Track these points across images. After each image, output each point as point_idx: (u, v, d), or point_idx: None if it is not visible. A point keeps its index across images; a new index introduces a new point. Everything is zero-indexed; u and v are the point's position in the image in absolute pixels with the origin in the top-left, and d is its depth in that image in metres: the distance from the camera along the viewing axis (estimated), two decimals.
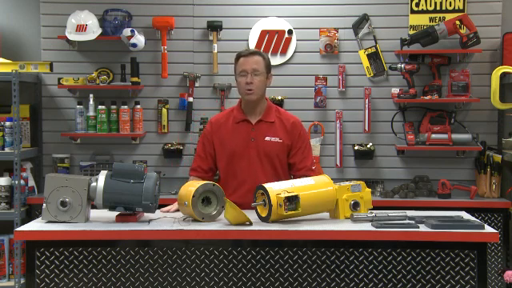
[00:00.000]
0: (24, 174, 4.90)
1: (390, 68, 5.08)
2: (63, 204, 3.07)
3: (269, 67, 3.67)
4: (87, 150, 5.21)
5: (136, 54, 5.08)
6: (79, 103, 5.10)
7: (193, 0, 5.19)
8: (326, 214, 3.28)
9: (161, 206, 3.26)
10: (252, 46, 5.13)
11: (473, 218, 3.27)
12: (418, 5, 5.12)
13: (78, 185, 3.10)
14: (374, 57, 5.15)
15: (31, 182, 5.02)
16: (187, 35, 5.19)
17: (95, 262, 3.03)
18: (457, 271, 3.01)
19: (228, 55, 5.11)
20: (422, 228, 3.04)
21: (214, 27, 5.13)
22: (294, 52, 5.18)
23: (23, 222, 4.30)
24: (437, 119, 5.06)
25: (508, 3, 5.14)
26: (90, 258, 3.03)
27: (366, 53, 5.15)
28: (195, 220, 3.15)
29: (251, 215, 3.12)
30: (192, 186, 3.19)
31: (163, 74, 5.10)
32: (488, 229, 3.05)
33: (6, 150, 4.75)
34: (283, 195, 3.03)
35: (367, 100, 5.13)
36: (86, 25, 4.97)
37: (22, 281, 4.60)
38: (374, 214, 3.15)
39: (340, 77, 5.16)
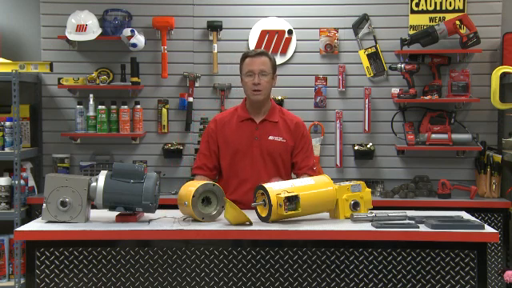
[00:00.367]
0: (24, 174, 4.90)
1: (390, 68, 5.08)
2: (63, 204, 3.07)
3: (275, 67, 3.69)
4: (87, 150, 5.21)
5: (136, 54, 5.08)
6: (79, 103, 5.10)
7: (193, 0, 5.19)
8: (326, 214, 3.28)
9: (161, 206, 3.25)
10: (252, 46, 5.13)
11: (473, 218, 3.27)
12: (418, 5, 5.12)
13: (78, 185, 3.10)
14: (374, 57, 5.15)
15: (31, 182, 5.02)
16: (187, 35, 5.19)
17: (95, 261, 3.03)
18: (457, 271, 3.01)
19: (228, 55, 5.13)
20: (422, 228, 3.04)
21: (214, 27, 5.13)
22: (294, 52, 5.18)
23: (23, 222, 4.30)
24: (437, 119, 5.06)
25: (508, 3, 5.14)
26: (90, 258, 3.03)
27: (366, 53, 5.15)
28: (195, 220, 3.15)
29: (251, 215, 3.12)
30: (192, 186, 3.19)
31: (163, 74, 5.10)
32: (488, 229, 3.05)
33: (6, 150, 4.75)
34: (283, 195, 3.03)
35: (367, 100, 5.13)
36: (85, 25, 4.97)
37: (22, 281, 4.60)
38: (374, 214, 3.15)
39: (340, 77, 5.16)
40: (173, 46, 5.16)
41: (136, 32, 4.98)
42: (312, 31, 5.17)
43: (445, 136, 5.01)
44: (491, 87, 4.82)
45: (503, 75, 4.84)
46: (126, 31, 4.98)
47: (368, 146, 5.13)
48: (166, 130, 5.19)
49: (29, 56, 5.17)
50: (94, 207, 3.16)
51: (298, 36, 5.17)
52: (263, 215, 3.12)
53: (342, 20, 5.17)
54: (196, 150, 5.09)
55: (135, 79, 5.06)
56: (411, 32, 5.09)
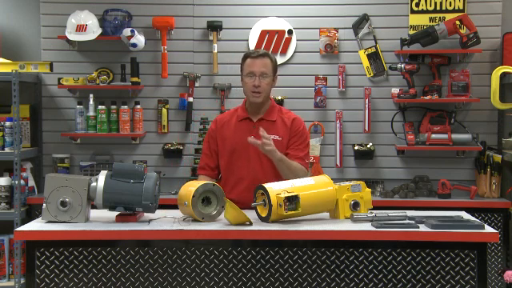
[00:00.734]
0: (24, 174, 4.90)
1: (390, 68, 5.08)
2: (63, 204, 3.07)
3: (276, 69, 3.70)
4: (87, 150, 5.21)
5: (136, 54, 5.08)
6: (79, 103, 5.10)
7: (193, 0, 5.19)
8: (326, 214, 3.28)
9: (161, 206, 3.26)
10: (252, 46, 5.13)
11: (473, 218, 3.27)
12: (417, 5, 5.12)
13: (78, 185, 3.10)
14: (374, 57, 5.15)
15: (31, 182, 5.01)
16: (187, 35, 5.19)
17: (95, 261, 3.03)
18: (457, 271, 3.01)
19: (228, 55, 5.13)
20: (422, 228, 3.04)
21: (214, 27, 5.13)
22: (294, 52, 5.18)
23: (23, 222, 4.30)
24: (437, 119, 5.06)
25: (508, 3, 5.14)
26: (90, 258, 3.03)
27: (366, 53, 5.15)
28: (195, 220, 3.15)
29: (251, 215, 3.12)
30: (192, 186, 3.19)
31: (163, 74, 5.10)
32: (488, 229, 3.05)
33: (6, 150, 4.75)
34: (283, 195, 3.03)
35: (367, 100, 5.13)
36: (85, 25, 4.97)
37: (22, 281, 4.60)
38: (374, 214, 3.15)
39: (340, 77, 5.16)
40: (173, 46, 5.16)
41: (136, 32, 4.98)
42: (312, 31, 5.17)
43: (445, 136, 5.01)
44: (491, 87, 4.82)
45: (503, 75, 4.84)
46: (126, 31, 4.98)
47: (368, 145, 5.13)
48: (165, 130, 5.19)
49: (29, 56, 5.17)
50: (94, 207, 3.16)
51: (298, 36, 5.17)
52: (263, 215, 3.12)
53: (342, 20, 5.17)
54: (196, 150, 5.10)
55: (135, 79, 5.06)
56: (411, 32, 5.09)
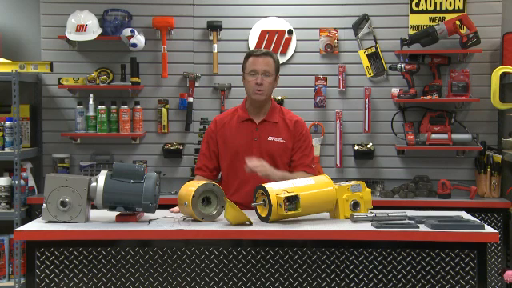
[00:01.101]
0: (24, 174, 4.90)
1: (390, 68, 5.08)
2: (63, 204, 3.07)
3: (278, 69, 3.69)
4: (87, 150, 5.21)
5: (136, 54, 5.08)
6: (79, 103, 5.10)
7: (193, 0, 5.19)
8: (326, 214, 3.28)
9: (161, 206, 3.26)
10: (252, 46, 5.13)
11: (473, 218, 3.27)
12: (417, 5, 5.12)
13: (78, 185, 3.10)
14: (374, 57, 5.15)
15: (31, 182, 5.01)
16: (187, 35, 5.19)
17: (95, 261, 3.03)
18: (457, 271, 3.01)
19: (228, 55, 5.13)
20: (422, 228, 3.04)
21: (214, 27, 5.13)
22: (294, 52, 5.18)
23: (23, 222, 4.29)
24: (437, 119, 5.06)
25: (508, 3, 5.14)
26: (90, 258, 3.03)
27: (366, 53, 5.15)
28: (195, 220, 3.15)
29: (251, 215, 3.12)
30: (192, 186, 3.19)
31: (163, 74, 5.10)
32: (488, 229, 3.05)
33: (6, 150, 4.75)
34: (283, 195, 3.03)
35: (367, 100, 5.13)
36: (86, 25, 4.97)
37: (22, 281, 4.60)
38: (374, 214, 3.15)
39: (340, 77, 5.16)
40: (173, 46, 5.16)
41: (136, 32, 4.98)
42: (312, 31, 5.17)
43: (445, 136, 5.01)
44: (491, 87, 4.82)
45: (503, 75, 4.84)
46: (126, 31, 4.98)
47: (368, 145, 5.13)
48: (165, 130, 5.20)
49: (29, 56, 5.17)
50: (94, 207, 3.16)
51: (298, 36, 5.17)
52: (263, 215, 3.12)
53: (342, 20, 5.17)
54: (196, 150, 5.10)
55: (135, 79, 5.06)
56: (411, 32, 5.09)
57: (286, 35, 5.16)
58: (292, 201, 3.05)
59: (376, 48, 5.14)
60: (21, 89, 4.76)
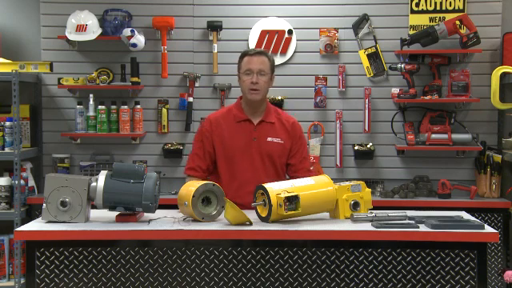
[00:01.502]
0: (24, 174, 4.90)
1: (390, 68, 5.08)
2: (63, 204, 3.08)
3: (273, 68, 3.69)
4: (87, 150, 5.21)
5: (136, 54, 5.08)
6: (79, 103, 5.09)
7: (193, 0, 5.19)
8: (326, 214, 3.28)
9: (161, 206, 3.25)
10: (252, 46, 5.14)
11: (473, 218, 3.27)
12: (417, 5, 5.12)
13: (78, 185, 3.10)
14: (374, 57, 5.15)
15: (31, 182, 5.01)
16: (187, 35, 5.19)
17: (95, 261, 3.03)
18: (457, 271, 3.01)
19: (228, 55, 5.13)
20: (422, 228, 3.04)
21: (214, 27, 5.13)
22: (294, 52, 5.18)
23: (23, 222, 4.29)
24: (437, 119, 5.06)
25: (508, 3, 5.14)
26: (90, 258, 3.03)
27: (366, 53, 5.15)
28: (195, 220, 3.15)
29: (251, 215, 3.12)
30: (192, 186, 3.19)
31: (163, 74, 5.10)
32: (488, 229, 3.05)
33: (6, 150, 4.75)
34: (283, 195, 3.03)
35: (367, 100, 5.13)
36: (86, 25, 4.97)
37: (22, 281, 4.60)
38: (373, 214, 3.15)
39: (340, 77, 5.16)
40: (173, 46, 5.16)
41: (136, 32, 4.98)
42: (312, 31, 5.17)
43: (445, 136, 5.01)
44: (491, 87, 4.82)
45: (503, 75, 4.84)
46: (126, 31, 4.98)
47: (368, 145, 5.13)
48: (166, 130, 5.19)
49: (29, 56, 5.17)
50: (94, 207, 3.16)
51: (298, 36, 5.17)
52: (263, 215, 3.12)
53: (342, 20, 5.17)
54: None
55: (135, 79, 5.06)
56: (411, 32, 5.09)
57: (286, 35, 5.16)
58: (292, 201, 3.05)
59: (376, 48, 5.14)
60: (21, 89, 4.76)
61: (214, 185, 3.20)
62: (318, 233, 3.00)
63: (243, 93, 3.66)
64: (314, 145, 5.09)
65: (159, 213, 3.25)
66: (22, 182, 4.82)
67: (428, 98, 4.99)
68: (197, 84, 5.19)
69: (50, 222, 3.10)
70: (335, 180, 3.34)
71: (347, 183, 3.28)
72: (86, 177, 3.20)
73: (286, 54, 5.17)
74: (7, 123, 4.74)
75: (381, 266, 3.03)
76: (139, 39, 4.98)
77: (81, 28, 4.96)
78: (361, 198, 3.26)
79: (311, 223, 3.12)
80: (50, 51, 5.16)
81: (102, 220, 3.18)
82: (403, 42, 5.01)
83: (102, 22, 5.08)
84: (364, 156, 5.13)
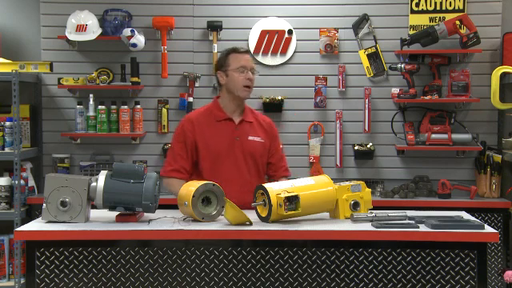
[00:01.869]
0: (24, 174, 4.90)
1: (390, 68, 5.08)
2: (63, 204, 3.07)
3: None
4: (87, 150, 5.21)
5: (136, 54, 5.08)
6: (79, 103, 5.10)
7: (193, 0, 5.19)
8: (326, 214, 3.28)
9: (161, 206, 3.25)
10: (252, 45, 5.14)
11: (473, 218, 3.27)
12: (417, 5, 5.12)
13: (78, 185, 3.10)
14: (374, 57, 5.15)
15: (31, 182, 5.01)
16: (187, 35, 5.19)
17: (95, 261, 3.03)
18: (457, 271, 3.01)
19: None
20: (422, 228, 3.04)
21: (214, 27, 5.13)
22: (294, 52, 5.18)
23: (23, 222, 4.29)
24: (437, 119, 5.06)
25: (508, 3, 5.14)
26: (90, 258, 3.03)
27: (366, 53, 5.15)
28: (195, 220, 3.15)
29: (251, 215, 3.12)
30: (192, 186, 3.19)
31: (163, 74, 5.10)
32: (488, 229, 3.05)
33: (6, 150, 4.75)
34: (283, 195, 3.03)
35: (367, 100, 5.13)
36: (86, 25, 4.97)
37: (22, 281, 4.60)
38: (373, 214, 3.15)
39: (340, 77, 5.16)
40: (173, 46, 5.16)
41: (136, 32, 4.98)
42: (312, 31, 5.17)
43: (445, 136, 5.01)
44: (491, 87, 4.82)
45: (503, 75, 4.84)
46: (126, 31, 4.98)
47: (368, 145, 5.13)
48: (165, 130, 5.19)
49: (29, 56, 5.17)
50: (94, 207, 3.16)
51: (298, 36, 5.17)
52: (263, 215, 3.12)
53: (342, 20, 5.17)
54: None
55: (135, 79, 5.06)
56: (411, 32, 5.09)
57: (286, 35, 5.16)
58: (292, 201, 3.04)
59: (376, 48, 5.14)
60: (21, 89, 4.76)
61: (214, 185, 3.20)
62: (318, 233, 3.00)
63: (234, 90, 3.61)
64: (314, 145, 5.09)
65: (159, 213, 3.25)
66: (22, 182, 4.82)
67: (428, 97, 4.99)
68: (197, 84, 5.19)
69: (49, 222, 3.09)
70: (335, 180, 3.34)
71: (347, 183, 3.28)
72: (85, 177, 3.20)
73: (286, 54, 5.17)
74: (7, 123, 4.74)
75: (381, 266, 3.03)
76: (139, 39, 4.98)
77: (81, 28, 4.97)
78: (361, 197, 3.26)
79: (311, 223, 3.12)
80: (49, 51, 5.16)
81: (102, 220, 3.18)
82: (403, 42, 5.01)
83: (102, 22, 5.08)
84: (364, 156, 5.13)
